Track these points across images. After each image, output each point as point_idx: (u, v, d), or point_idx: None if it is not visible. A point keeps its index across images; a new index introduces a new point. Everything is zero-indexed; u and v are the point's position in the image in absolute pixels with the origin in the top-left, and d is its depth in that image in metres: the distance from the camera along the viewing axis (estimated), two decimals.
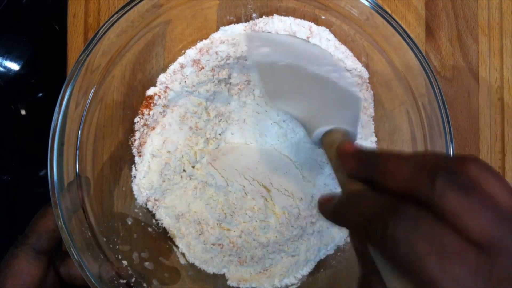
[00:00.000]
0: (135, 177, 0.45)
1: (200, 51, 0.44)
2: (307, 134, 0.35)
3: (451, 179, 0.21)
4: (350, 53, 0.45)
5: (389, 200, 0.22)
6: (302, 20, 0.45)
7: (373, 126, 0.46)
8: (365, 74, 0.46)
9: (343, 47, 0.45)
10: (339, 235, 0.46)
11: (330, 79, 0.40)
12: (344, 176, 0.28)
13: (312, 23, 0.45)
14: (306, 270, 0.46)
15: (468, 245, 0.20)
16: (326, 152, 0.32)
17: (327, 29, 0.45)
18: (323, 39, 0.45)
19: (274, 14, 0.45)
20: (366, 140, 0.46)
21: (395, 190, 0.23)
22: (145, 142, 0.45)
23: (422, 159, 0.23)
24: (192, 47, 0.45)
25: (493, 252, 0.20)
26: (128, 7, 0.39)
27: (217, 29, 0.46)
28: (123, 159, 0.45)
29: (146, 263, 0.43)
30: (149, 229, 0.46)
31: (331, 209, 0.27)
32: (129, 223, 0.44)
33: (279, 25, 0.44)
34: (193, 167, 0.46)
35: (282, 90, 0.39)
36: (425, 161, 0.23)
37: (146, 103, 0.45)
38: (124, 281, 0.40)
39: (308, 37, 0.44)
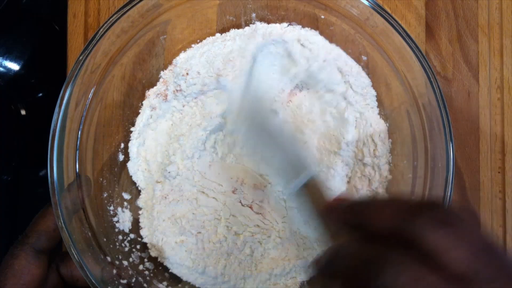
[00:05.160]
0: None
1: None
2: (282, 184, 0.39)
3: (430, 217, 0.24)
4: (343, 53, 0.45)
5: (373, 249, 0.25)
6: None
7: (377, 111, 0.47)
8: (364, 75, 0.46)
9: (332, 46, 0.45)
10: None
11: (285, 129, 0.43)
12: (332, 230, 0.31)
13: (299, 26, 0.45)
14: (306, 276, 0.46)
15: (449, 284, 0.22)
16: (311, 204, 0.35)
17: (314, 31, 0.45)
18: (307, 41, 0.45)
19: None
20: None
21: (381, 233, 0.25)
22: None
23: (402, 203, 0.26)
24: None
25: (471, 285, 0.22)
26: (128, 7, 0.39)
27: (217, 29, 0.46)
28: (124, 159, 0.45)
29: (147, 263, 0.43)
30: None
31: (322, 265, 0.28)
32: (130, 223, 0.44)
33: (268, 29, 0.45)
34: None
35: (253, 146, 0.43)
36: (404, 203, 0.26)
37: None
38: (125, 281, 0.40)
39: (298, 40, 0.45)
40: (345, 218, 0.29)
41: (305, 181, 0.35)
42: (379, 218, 0.26)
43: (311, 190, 0.35)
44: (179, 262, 0.43)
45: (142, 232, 0.44)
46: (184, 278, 0.44)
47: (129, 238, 0.43)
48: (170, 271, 0.44)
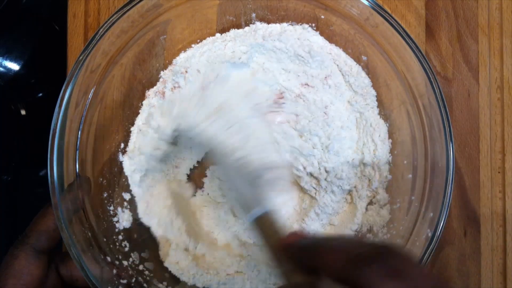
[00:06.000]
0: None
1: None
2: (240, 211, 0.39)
3: (380, 267, 0.23)
4: (343, 53, 0.46)
5: None
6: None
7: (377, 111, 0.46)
8: (364, 75, 0.46)
9: (332, 46, 0.45)
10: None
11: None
12: (284, 268, 0.31)
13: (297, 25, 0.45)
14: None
15: None
16: (264, 239, 0.35)
17: (314, 31, 0.45)
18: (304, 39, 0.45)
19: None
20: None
21: (331, 277, 0.25)
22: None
23: (354, 247, 0.26)
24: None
25: None
26: (128, 7, 0.39)
27: (217, 30, 0.46)
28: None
29: (146, 263, 0.43)
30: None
31: None
32: (129, 223, 0.44)
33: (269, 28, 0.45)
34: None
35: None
36: (357, 248, 0.26)
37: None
38: (125, 281, 0.40)
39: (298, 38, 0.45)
40: (297, 259, 0.29)
41: (258, 216, 0.36)
42: (330, 262, 0.26)
43: (264, 225, 0.36)
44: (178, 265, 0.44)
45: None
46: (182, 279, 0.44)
47: (129, 238, 0.43)
48: (170, 271, 0.44)
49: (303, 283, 0.28)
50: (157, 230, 0.45)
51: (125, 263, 0.41)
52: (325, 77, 0.45)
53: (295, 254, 0.30)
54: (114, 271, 0.40)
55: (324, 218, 0.46)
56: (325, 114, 0.45)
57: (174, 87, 0.44)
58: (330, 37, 0.46)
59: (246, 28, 0.46)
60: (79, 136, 0.40)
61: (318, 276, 0.27)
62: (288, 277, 0.30)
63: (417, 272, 0.24)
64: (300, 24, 0.45)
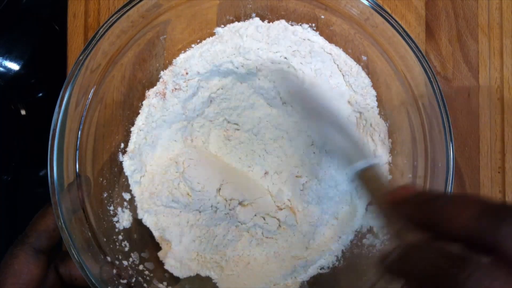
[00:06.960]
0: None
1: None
2: (341, 164, 0.35)
3: None
4: (343, 53, 0.46)
5: (455, 251, 0.22)
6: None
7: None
8: (364, 75, 0.46)
9: (332, 46, 0.45)
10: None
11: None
12: (398, 225, 0.27)
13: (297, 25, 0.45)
14: (307, 276, 0.46)
15: None
16: (370, 195, 0.32)
17: (314, 31, 0.45)
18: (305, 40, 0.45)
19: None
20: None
21: (457, 236, 0.23)
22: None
23: (482, 203, 0.23)
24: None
25: None
26: (128, 7, 0.39)
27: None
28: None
29: (146, 263, 0.43)
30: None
31: (391, 264, 0.25)
32: (129, 223, 0.44)
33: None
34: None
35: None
36: (487, 205, 0.22)
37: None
38: (125, 281, 0.40)
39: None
40: (412, 215, 0.26)
41: (361, 169, 0.33)
42: (455, 219, 0.23)
43: (368, 180, 0.33)
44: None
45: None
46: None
47: (129, 238, 0.43)
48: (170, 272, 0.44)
49: (420, 243, 0.24)
50: (156, 230, 0.45)
51: (125, 263, 0.41)
52: (329, 76, 0.45)
53: (407, 211, 0.26)
54: (114, 271, 0.40)
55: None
56: None
57: (175, 88, 0.44)
58: (330, 37, 0.46)
59: None
60: (79, 136, 0.40)
61: (436, 233, 0.24)
62: (401, 237, 0.27)
63: None
64: (300, 24, 0.45)
